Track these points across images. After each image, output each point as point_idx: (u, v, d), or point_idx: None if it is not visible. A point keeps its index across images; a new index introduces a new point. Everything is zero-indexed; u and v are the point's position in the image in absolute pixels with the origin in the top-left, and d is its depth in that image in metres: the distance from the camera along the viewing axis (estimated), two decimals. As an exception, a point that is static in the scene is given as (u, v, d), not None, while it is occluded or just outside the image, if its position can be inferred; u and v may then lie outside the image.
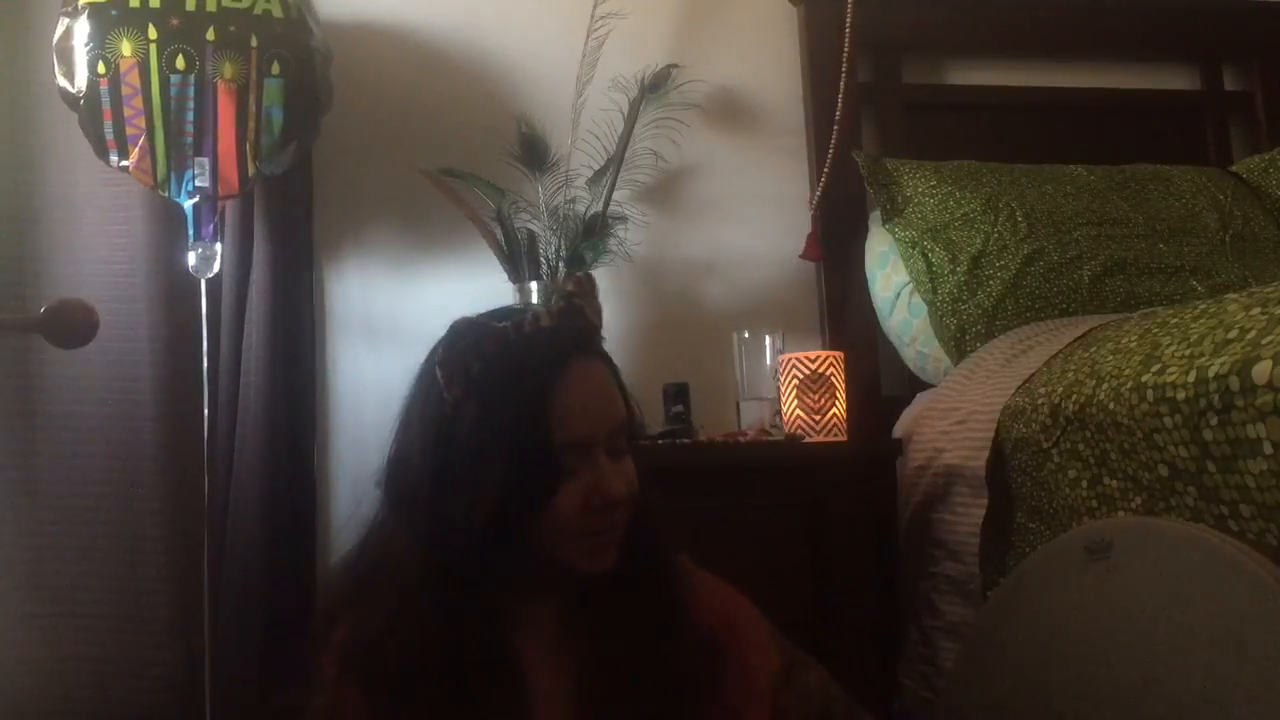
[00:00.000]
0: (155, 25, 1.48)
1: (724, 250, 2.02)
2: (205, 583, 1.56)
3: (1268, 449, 0.88)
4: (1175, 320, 1.12)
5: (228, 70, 1.51)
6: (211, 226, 1.55)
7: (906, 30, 2.12)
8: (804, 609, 1.43)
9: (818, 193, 1.97)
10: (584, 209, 1.80)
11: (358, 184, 1.93)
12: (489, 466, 0.85)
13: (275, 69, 1.54)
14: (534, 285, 1.71)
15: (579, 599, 0.92)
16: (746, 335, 1.72)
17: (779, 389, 1.62)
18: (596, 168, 1.86)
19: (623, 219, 1.84)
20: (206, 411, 1.60)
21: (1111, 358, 1.17)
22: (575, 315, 0.93)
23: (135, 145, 1.50)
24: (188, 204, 1.53)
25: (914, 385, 1.87)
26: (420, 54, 1.98)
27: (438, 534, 0.87)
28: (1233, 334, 0.96)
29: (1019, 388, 1.37)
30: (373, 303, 1.91)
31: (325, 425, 1.86)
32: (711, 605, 0.96)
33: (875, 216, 1.94)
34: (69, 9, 1.50)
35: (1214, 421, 0.93)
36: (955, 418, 1.48)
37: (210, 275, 1.58)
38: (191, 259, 1.56)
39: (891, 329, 1.89)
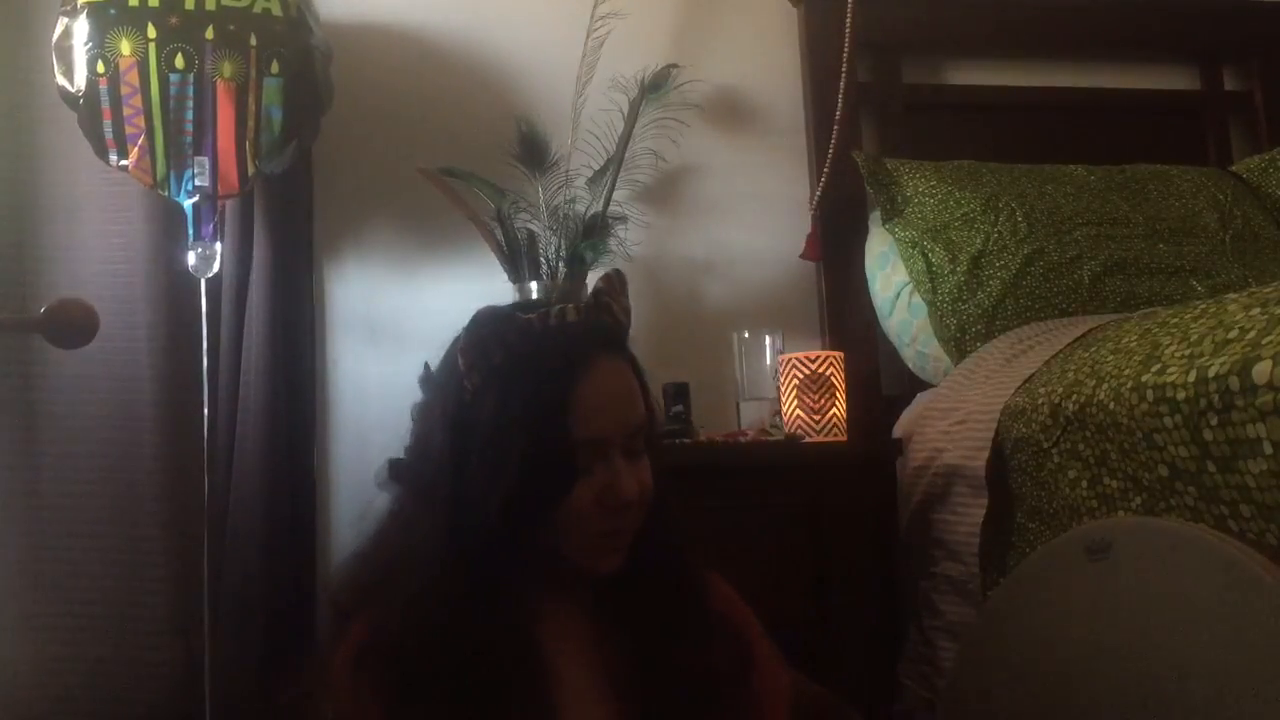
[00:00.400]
0: (154, 24, 1.48)
1: (724, 250, 2.02)
2: (205, 582, 1.56)
3: (1268, 449, 0.88)
4: (1175, 320, 1.12)
5: (227, 69, 1.51)
6: (211, 226, 1.55)
7: (906, 30, 2.12)
8: (804, 609, 1.43)
9: (818, 193, 1.97)
10: (584, 209, 1.80)
11: (358, 184, 1.93)
12: (505, 457, 0.85)
13: (275, 68, 1.54)
14: (534, 285, 1.70)
15: (606, 597, 0.92)
16: (746, 335, 1.72)
17: (779, 389, 1.62)
18: (596, 168, 1.86)
19: (623, 219, 1.84)
20: (206, 411, 1.60)
21: (1111, 358, 1.17)
22: (603, 312, 0.93)
23: (135, 144, 1.50)
24: (187, 203, 1.53)
25: (914, 385, 1.87)
26: (420, 54, 1.98)
27: (456, 524, 0.87)
28: (1233, 334, 0.96)
29: (1019, 388, 1.37)
30: (373, 302, 1.91)
31: (325, 425, 1.86)
32: (728, 607, 0.97)
33: (875, 216, 1.94)
34: (68, 8, 1.50)
35: (1214, 421, 0.93)
36: (955, 418, 1.48)
37: (210, 275, 1.58)
38: (191, 258, 1.56)
39: (891, 329, 1.89)
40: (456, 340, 0.92)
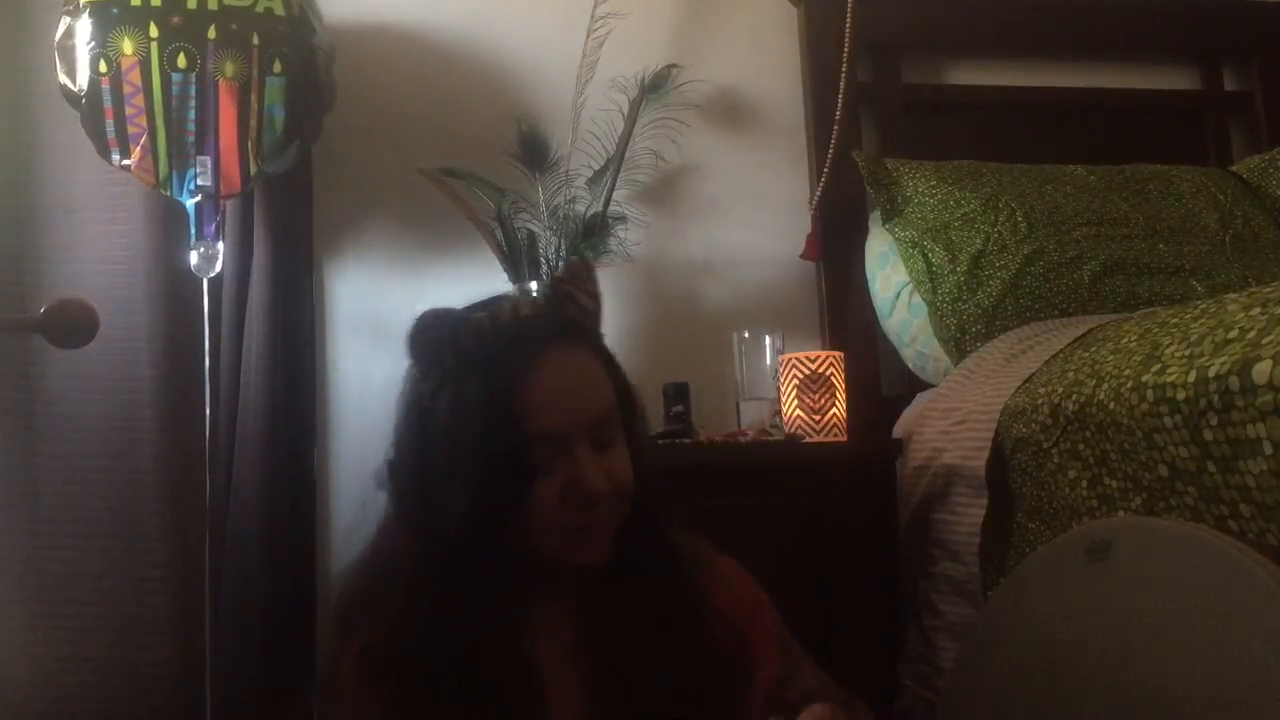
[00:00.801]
0: (156, 23, 1.48)
1: (724, 250, 2.02)
2: (207, 582, 1.56)
3: (1268, 449, 0.88)
4: (1175, 320, 1.12)
5: (229, 69, 1.51)
6: (214, 225, 1.55)
7: (906, 30, 2.12)
8: (804, 609, 1.42)
9: (818, 193, 1.97)
10: (584, 209, 1.80)
11: (358, 183, 1.93)
12: (462, 462, 0.84)
13: (277, 67, 1.54)
14: (534, 285, 1.70)
15: (593, 598, 0.91)
16: (746, 335, 1.72)
17: (779, 389, 1.62)
18: (596, 168, 1.86)
19: (623, 219, 1.84)
20: (208, 410, 1.59)
21: (1111, 358, 1.17)
22: (561, 302, 0.91)
23: (137, 144, 1.50)
24: (189, 203, 1.53)
25: (914, 385, 1.87)
26: (420, 54, 1.98)
27: (428, 532, 0.87)
28: (1233, 334, 0.96)
29: (1019, 388, 1.37)
30: (373, 302, 1.91)
31: (325, 425, 1.86)
32: (733, 591, 0.95)
33: (875, 216, 1.94)
34: (70, 7, 1.50)
35: (1214, 421, 0.93)
36: (955, 418, 1.48)
37: (212, 274, 1.58)
38: (194, 258, 1.56)
39: (891, 329, 1.89)
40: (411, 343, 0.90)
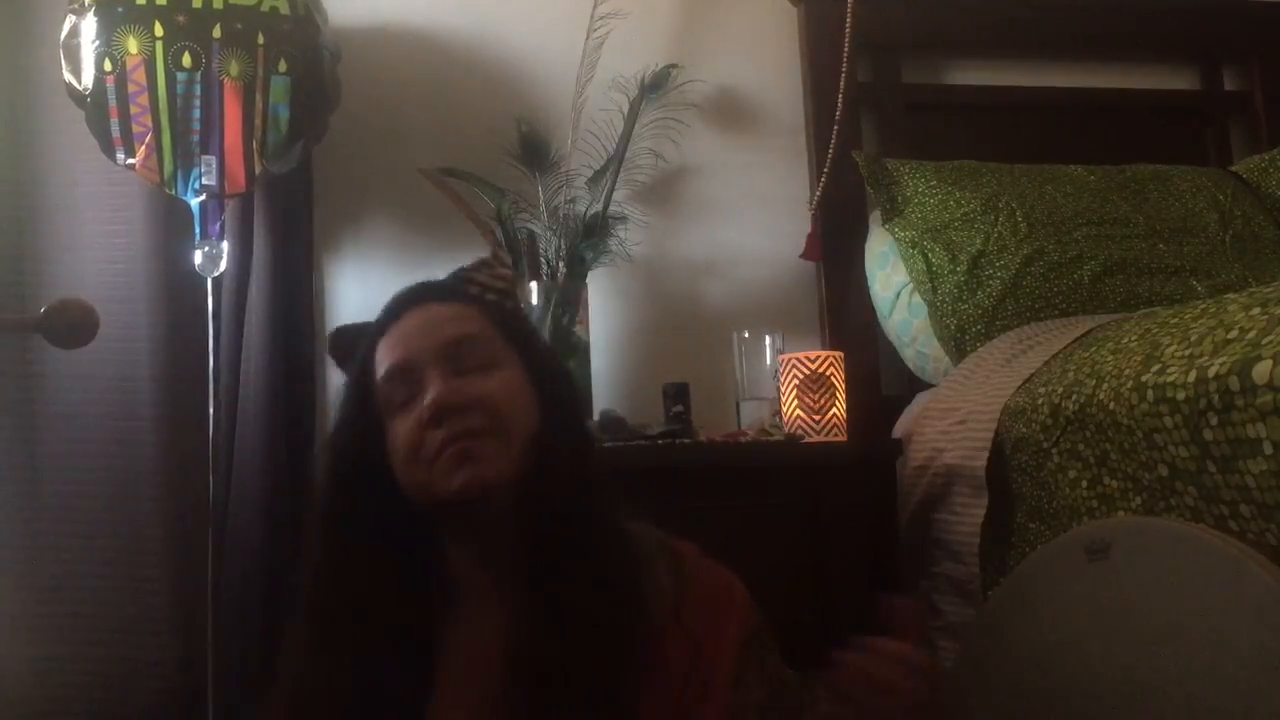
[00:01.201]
0: (161, 22, 1.48)
1: (724, 250, 2.02)
2: (210, 583, 1.56)
3: (1268, 449, 0.88)
4: (1175, 320, 1.12)
5: (234, 68, 1.51)
6: (218, 225, 1.55)
7: (906, 30, 2.12)
8: (804, 609, 1.43)
9: (818, 193, 1.97)
10: (584, 209, 1.80)
11: (358, 183, 1.93)
12: (333, 432, 0.93)
13: (282, 66, 1.54)
14: (534, 285, 1.70)
15: (510, 565, 0.87)
16: (746, 335, 1.72)
17: (779, 389, 1.62)
18: (596, 168, 1.86)
19: (623, 219, 1.84)
20: (212, 410, 1.59)
21: (1111, 358, 1.17)
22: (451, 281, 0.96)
23: (142, 143, 1.50)
24: (194, 202, 1.53)
25: (914, 385, 1.87)
26: (420, 54, 1.98)
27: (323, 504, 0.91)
28: (1233, 334, 0.96)
29: (1019, 388, 1.37)
30: (373, 302, 1.87)
31: (325, 425, 1.85)
32: (681, 575, 0.89)
33: (875, 216, 1.94)
34: (75, 6, 1.50)
35: (1214, 421, 0.93)
36: (955, 418, 1.48)
37: (217, 274, 1.58)
38: (198, 257, 1.56)
39: (891, 329, 1.89)
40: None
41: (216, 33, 1.50)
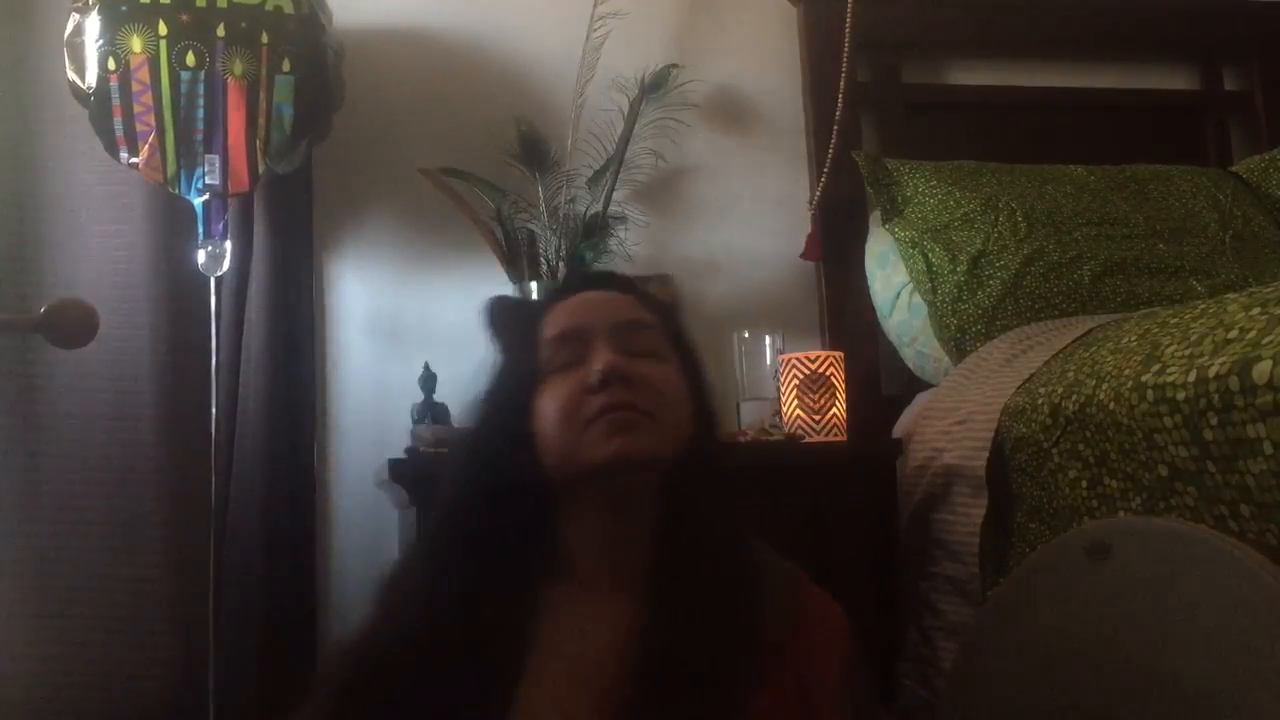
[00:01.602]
0: (165, 21, 1.48)
1: (724, 250, 2.01)
2: (211, 583, 1.55)
3: (1268, 449, 0.88)
4: (1175, 320, 1.12)
5: (238, 67, 1.51)
6: (222, 224, 1.55)
7: (906, 30, 2.12)
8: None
9: (818, 193, 1.97)
10: (584, 209, 1.80)
11: (358, 183, 1.93)
12: (489, 390, 0.91)
13: (286, 66, 1.54)
14: (534, 285, 1.70)
15: (632, 558, 0.86)
16: (746, 335, 1.72)
17: (779, 389, 1.61)
18: (596, 168, 1.86)
19: (623, 219, 1.84)
20: (214, 410, 1.59)
21: (1111, 358, 1.17)
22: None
23: (145, 142, 1.50)
24: (198, 201, 1.53)
25: (914, 385, 1.87)
26: (420, 54, 1.98)
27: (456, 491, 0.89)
28: (1233, 334, 0.96)
29: (1019, 388, 1.37)
30: (373, 302, 1.91)
31: (325, 425, 1.85)
32: (811, 630, 0.88)
33: (875, 216, 1.94)
34: (79, 4, 1.50)
35: (1214, 421, 0.93)
36: (955, 418, 1.48)
37: (220, 273, 1.58)
38: (201, 257, 1.56)
39: (891, 329, 1.89)
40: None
41: (220, 31, 1.50)
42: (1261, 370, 0.88)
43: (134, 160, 1.51)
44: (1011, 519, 1.34)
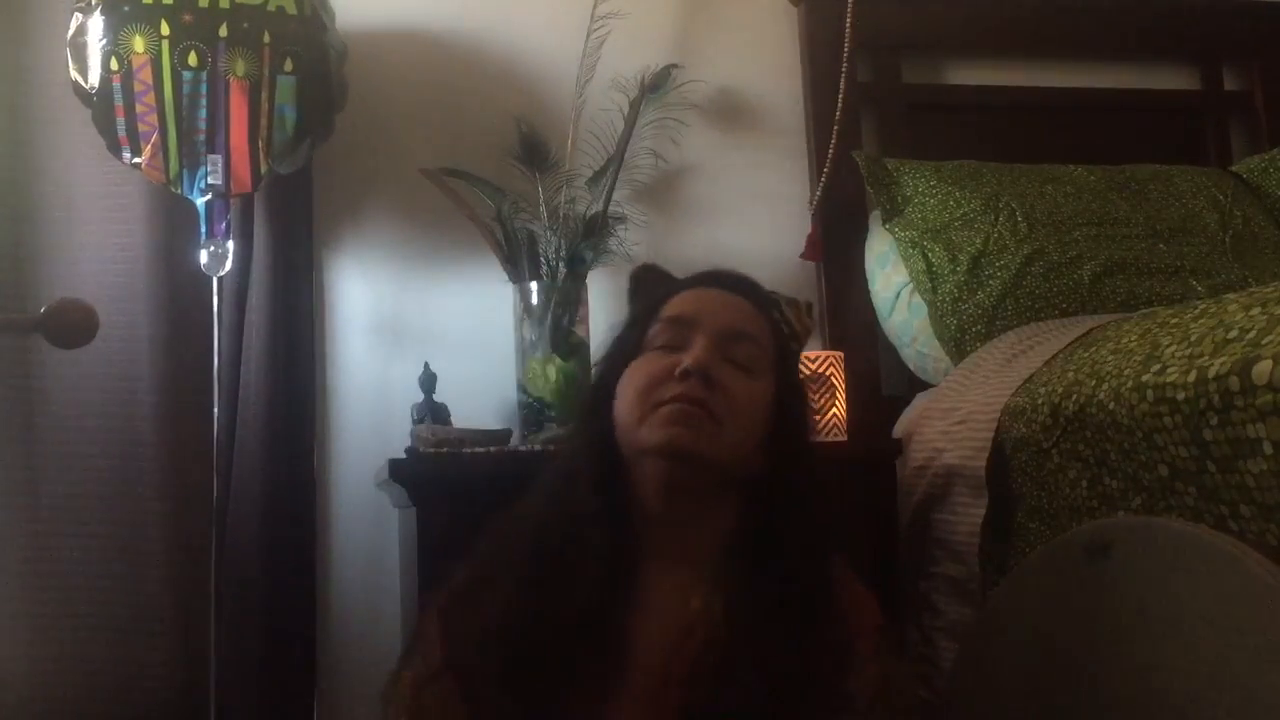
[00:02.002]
0: (168, 21, 1.48)
1: (724, 250, 2.01)
2: (213, 583, 1.55)
3: (1268, 449, 0.88)
4: (1175, 320, 1.12)
5: (240, 67, 1.51)
6: (224, 224, 1.55)
7: (906, 30, 2.12)
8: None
9: (818, 193, 1.97)
10: (584, 209, 1.80)
11: (358, 183, 1.93)
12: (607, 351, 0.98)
13: (288, 66, 1.54)
14: (534, 285, 1.70)
15: (722, 561, 0.89)
16: (746, 335, 1.72)
17: (779, 389, 1.61)
18: (596, 168, 1.86)
19: (622, 219, 1.84)
20: (217, 411, 1.59)
21: (1111, 358, 1.17)
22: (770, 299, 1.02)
23: (148, 142, 1.50)
24: (200, 201, 1.53)
25: (914, 385, 1.87)
26: (420, 54, 1.97)
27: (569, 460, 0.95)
28: (1233, 334, 0.96)
29: (1019, 388, 1.37)
30: (373, 302, 1.91)
31: (325, 425, 1.85)
32: (860, 624, 0.93)
33: (875, 216, 1.94)
34: (82, 4, 1.50)
35: (1214, 421, 0.93)
36: (955, 418, 1.48)
37: (223, 273, 1.58)
38: (204, 257, 1.56)
39: (891, 329, 1.89)
40: None
41: (223, 32, 1.50)
42: (1261, 370, 0.88)
43: (137, 160, 1.51)
44: (1011, 519, 1.34)
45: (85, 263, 1.72)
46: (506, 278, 1.73)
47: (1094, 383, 1.16)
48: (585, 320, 1.71)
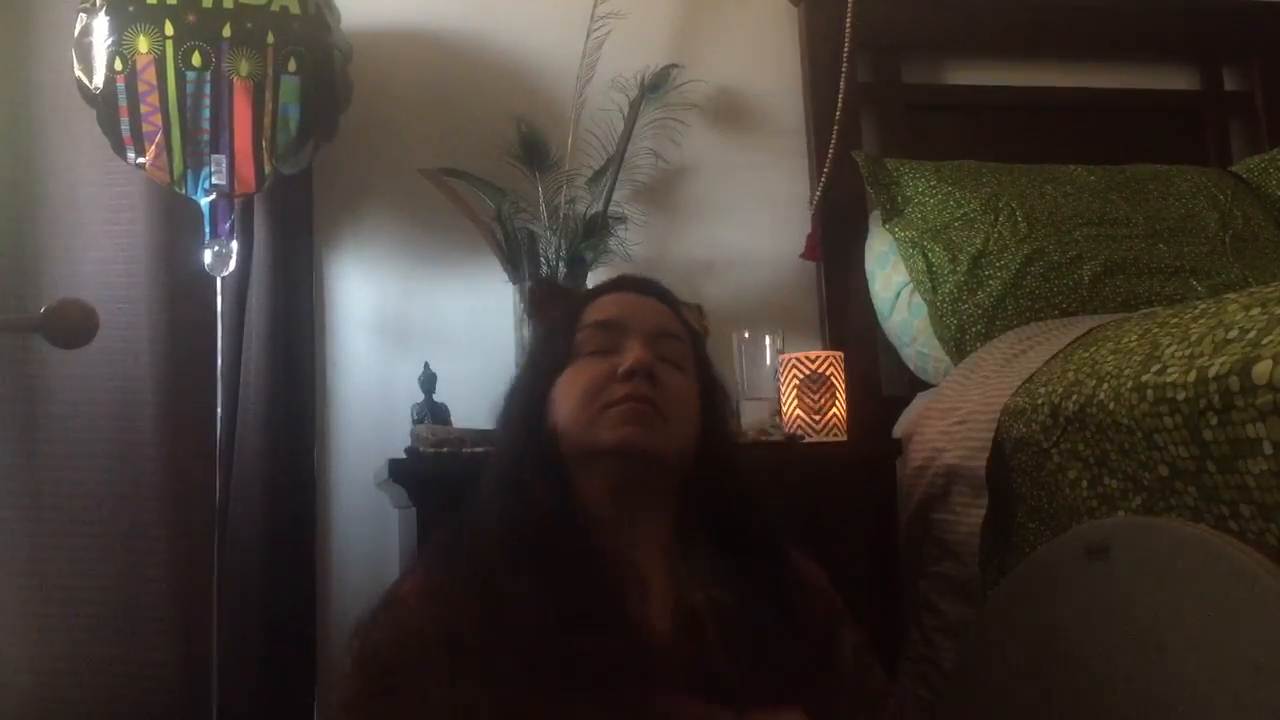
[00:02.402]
0: (172, 22, 1.48)
1: (724, 250, 2.01)
2: (215, 583, 1.55)
3: (1268, 449, 0.88)
4: (1175, 320, 1.12)
5: (244, 67, 1.51)
6: (228, 224, 1.55)
7: (906, 30, 2.12)
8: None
9: (818, 193, 1.97)
10: (584, 209, 1.80)
11: (359, 183, 1.93)
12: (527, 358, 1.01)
13: (292, 66, 1.54)
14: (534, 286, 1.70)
15: (683, 502, 0.94)
16: (746, 335, 1.72)
17: (779, 389, 1.61)
18: (596, 168, 1.86)
19: (622, 219, 1.84)
20: (219, 411, 1.59)
21: (1111, 358, 1.17)
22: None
23: (152, 142, 1.50)
24: (204, 201, 1.53)
25: (914, 385, 1.87)
26: (420, 54, 1.98)
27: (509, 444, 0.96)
28: (1233, 334, 0.97)
29: (1019, 388, 1.37)
30: (373, 302, 1.91)
31: (325, 425, 1.86)
32: (818, 591, 1.00)
33: (875, 216, 1.94)
34: (87, 5, 1.50)
35: (1214, 421, 0.94)
36: (955, 418, 1.48)
37: (226, 273, 1.57)
38: (208, 257, 1.56)
39: (891, 329, 1.89)
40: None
41: (226, 32, 1.50)
42: (1261, 370, 0.88)
43: (141, 160, 1.51)
44: (1011, 519, 1.34)
45: (86, 263, 1.72)
46: (506, 278, 1.73)
47: (1094, 383, 1.16)
48: (585, 320, 1.71)
